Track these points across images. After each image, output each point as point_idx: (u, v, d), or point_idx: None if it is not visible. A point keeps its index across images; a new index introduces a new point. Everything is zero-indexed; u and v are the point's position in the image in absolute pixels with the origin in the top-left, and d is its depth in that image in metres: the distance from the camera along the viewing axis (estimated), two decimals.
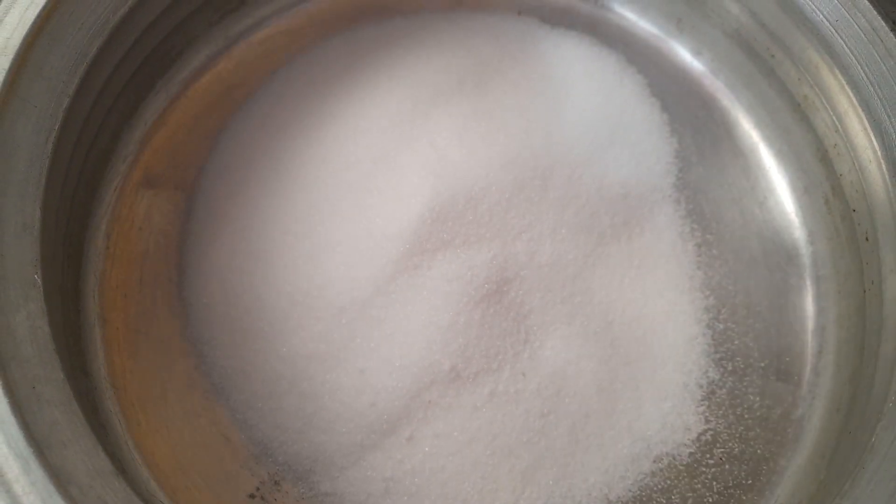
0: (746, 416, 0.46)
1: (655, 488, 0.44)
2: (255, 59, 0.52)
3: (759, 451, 0.45)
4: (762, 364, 0.47)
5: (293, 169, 0.48)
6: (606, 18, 0.56)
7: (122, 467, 0.35)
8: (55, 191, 0.39)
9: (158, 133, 0.48)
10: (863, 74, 0.44)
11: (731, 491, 0.44)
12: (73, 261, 0.44)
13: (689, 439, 0.45)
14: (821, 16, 0.46)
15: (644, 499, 0.44)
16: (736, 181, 0.52)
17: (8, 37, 0.38)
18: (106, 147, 0.46)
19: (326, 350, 0.44)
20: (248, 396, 0.43)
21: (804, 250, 0.50)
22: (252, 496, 0.42)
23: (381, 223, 0.46)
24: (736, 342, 0.48)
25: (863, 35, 0.44)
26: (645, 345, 0.47)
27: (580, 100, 0.52)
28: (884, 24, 0.44)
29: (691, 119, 0.54)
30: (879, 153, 0.44)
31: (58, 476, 0.31)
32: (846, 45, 0.45)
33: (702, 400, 0.46)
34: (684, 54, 0.55)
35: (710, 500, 0.44)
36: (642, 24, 0.56)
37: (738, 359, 0.47)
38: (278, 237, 0.46)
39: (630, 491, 0.44)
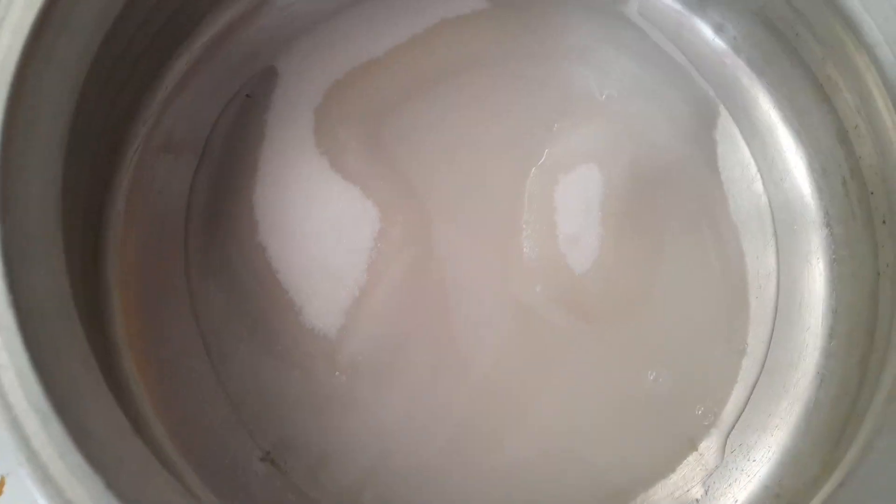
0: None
1: None
2: (277, 26, 0.51)
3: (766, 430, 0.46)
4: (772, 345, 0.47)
5: (312, 138, 0.48)
6: None
7: (137, 427, 0.35)
8: (77, 151, 0.39)
9: (179, 97, 0.48)
10: (890, 54, 0.43)
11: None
12: (93, 223, 0.44)
13: None
14: None
15: None
16: (753, 161, 0.52)
17: None
18: (127, 110, 0.46)
19: (339, 321, 0.45)
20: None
21: (820, 232, 0.50)
22: (263, 459, 0.43)
23: None
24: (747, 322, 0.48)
25: (893, 13, 0.43)
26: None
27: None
28: None
29: (710, 98, 0.53)
30: None
31: (76, 432, 0.31)
32: (875, 23, 0.43)
33: None
34: (707, 31, 0.54)
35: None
36: (665, 1, 0.55)
37: (749, 339, 0.47)
38: (298, 206, 0.46)
39: None
